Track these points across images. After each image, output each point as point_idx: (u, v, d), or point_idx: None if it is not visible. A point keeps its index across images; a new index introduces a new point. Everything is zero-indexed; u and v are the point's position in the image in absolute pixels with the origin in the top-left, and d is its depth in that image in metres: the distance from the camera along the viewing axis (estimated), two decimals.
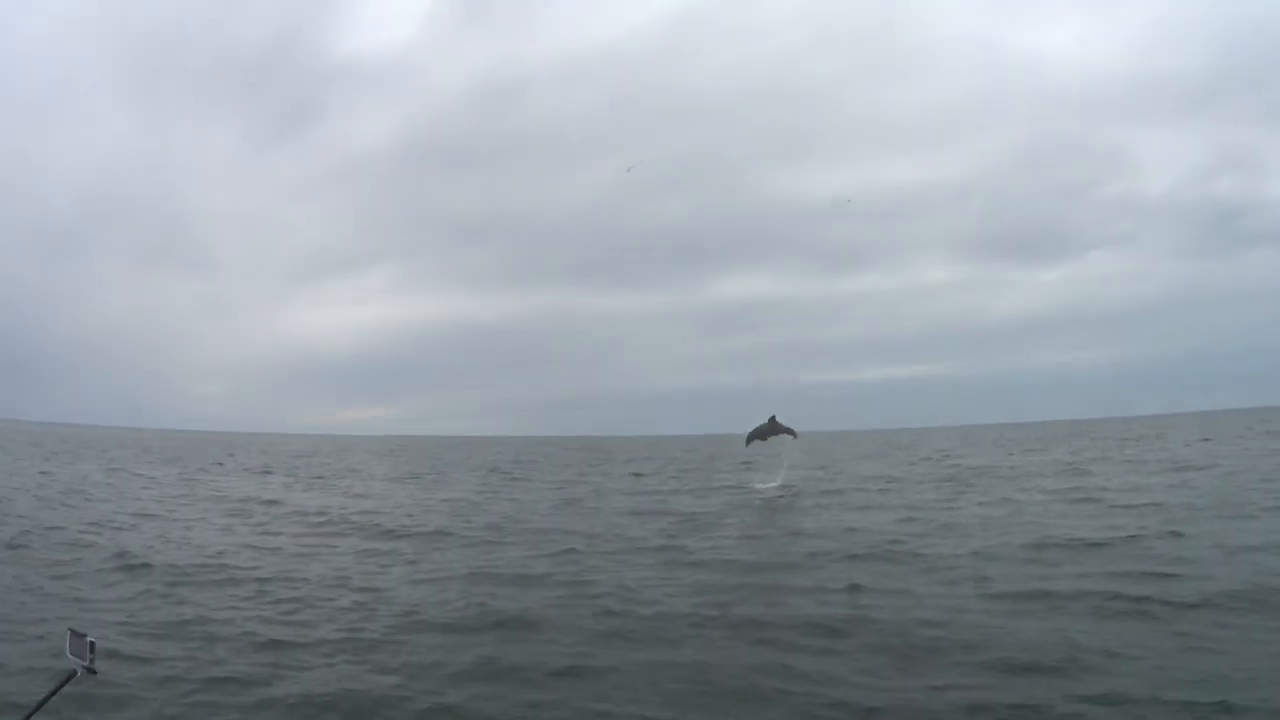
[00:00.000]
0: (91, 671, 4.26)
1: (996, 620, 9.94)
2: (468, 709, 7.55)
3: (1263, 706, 6.86)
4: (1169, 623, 9.52)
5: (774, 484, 29.03)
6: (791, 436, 28.55)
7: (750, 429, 28.84)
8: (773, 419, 28.00)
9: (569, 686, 8.08)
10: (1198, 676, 7.66)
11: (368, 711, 7.47)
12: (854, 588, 11.91)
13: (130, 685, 7.91)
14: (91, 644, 4.25)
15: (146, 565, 14.15)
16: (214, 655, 9.01)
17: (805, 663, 8.59)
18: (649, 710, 7.44)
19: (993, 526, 17.61)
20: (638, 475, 41.32)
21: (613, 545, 16.97)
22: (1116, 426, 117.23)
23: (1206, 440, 51.04)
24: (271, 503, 26.46)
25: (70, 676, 4.32)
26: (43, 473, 35.87)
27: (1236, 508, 18.51)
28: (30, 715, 4.41)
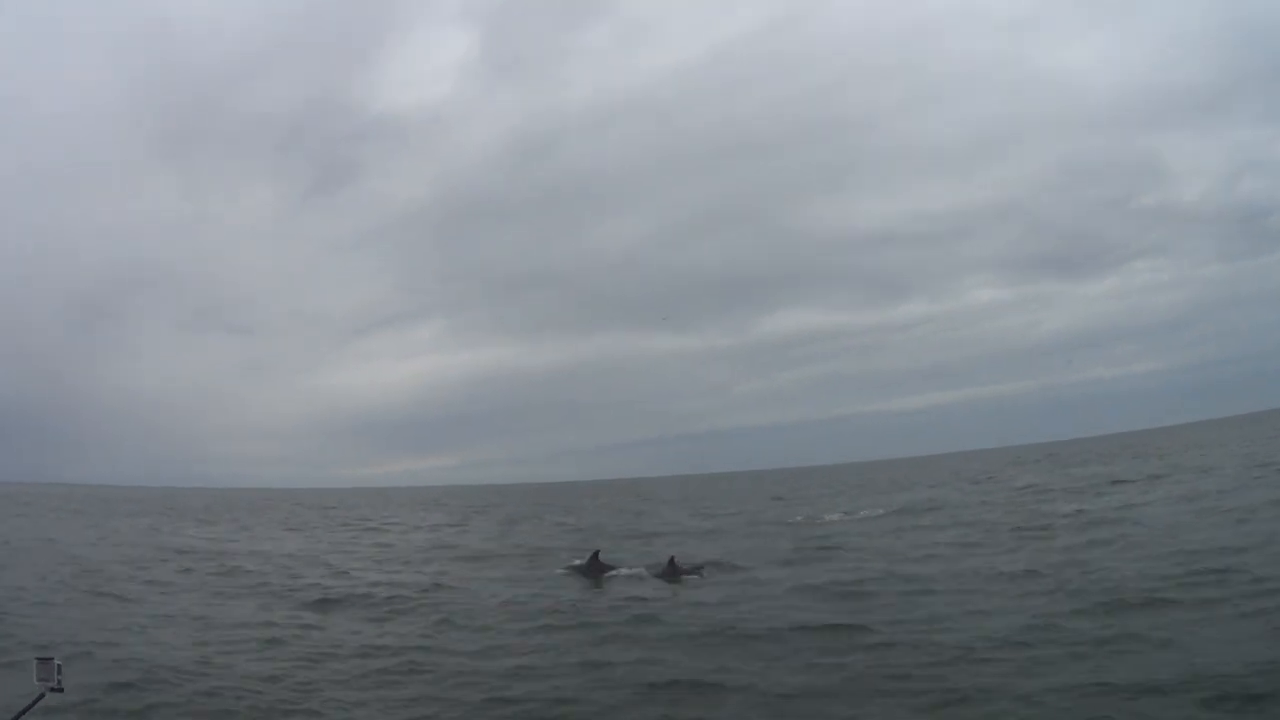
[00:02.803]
0: (58, 690, 4.89)
1: None
2: None
3: None
4: None
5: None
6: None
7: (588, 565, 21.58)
8: (594, 555, 21.72)
9: None
10: None
11: None
12: None
13: None
14: (58, 666, 4.88)
15: None
16: None
17: None
18: None
19: None
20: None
21: None
22: (1165, 437, 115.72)
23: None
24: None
25: (39, 699, 4.93)
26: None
27: None
28: None
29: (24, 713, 5.00)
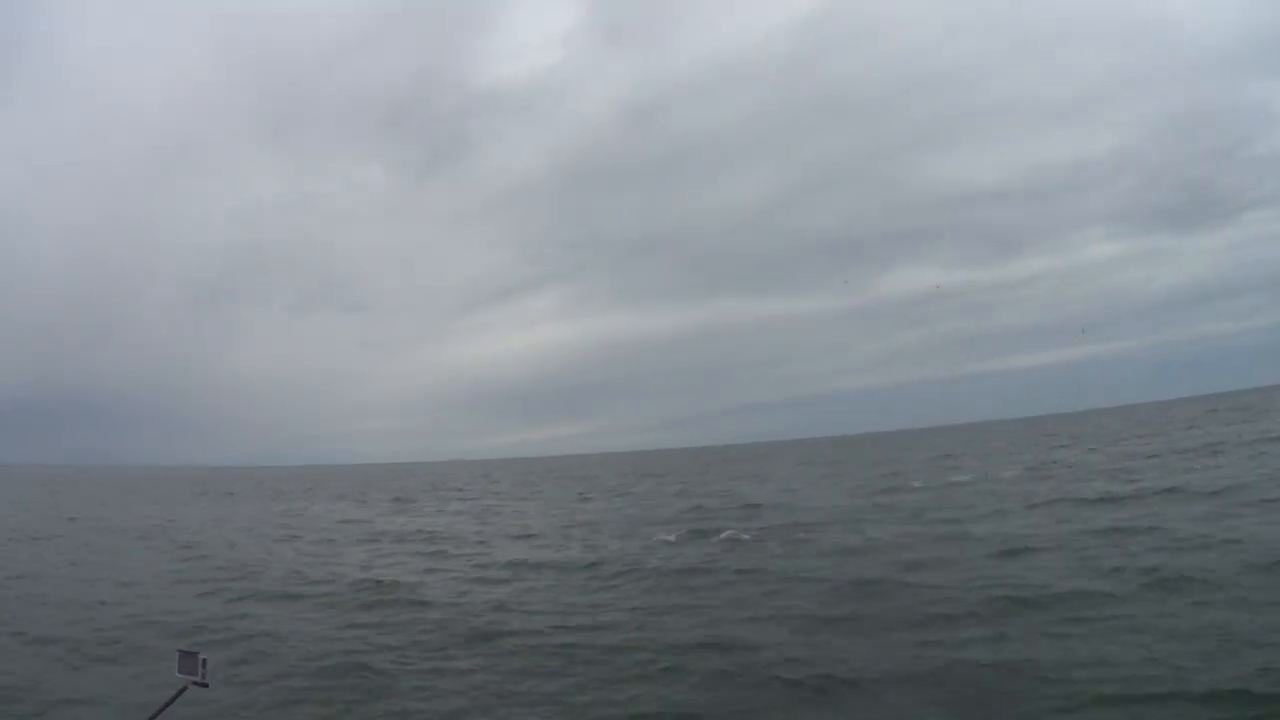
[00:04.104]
0: (203, 685, 4.64)
1: None
2: None
3: None
4: None
5: None
6: None
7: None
8: None
9: None
10: None
11: None
12: None
13: None
14: (203, 660, 4.64)
15: None
16: None
17: None
18: None
19: None
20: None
21: None
22: None
23: None
24: None
25: (180, 692, 4.73)
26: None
27: None
28: None
29: (165, 707, 4.80)
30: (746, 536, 20.36)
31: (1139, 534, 15.65)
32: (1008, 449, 54.21)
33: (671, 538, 21.31)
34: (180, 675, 4.62)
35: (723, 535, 20.74)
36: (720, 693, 8.83)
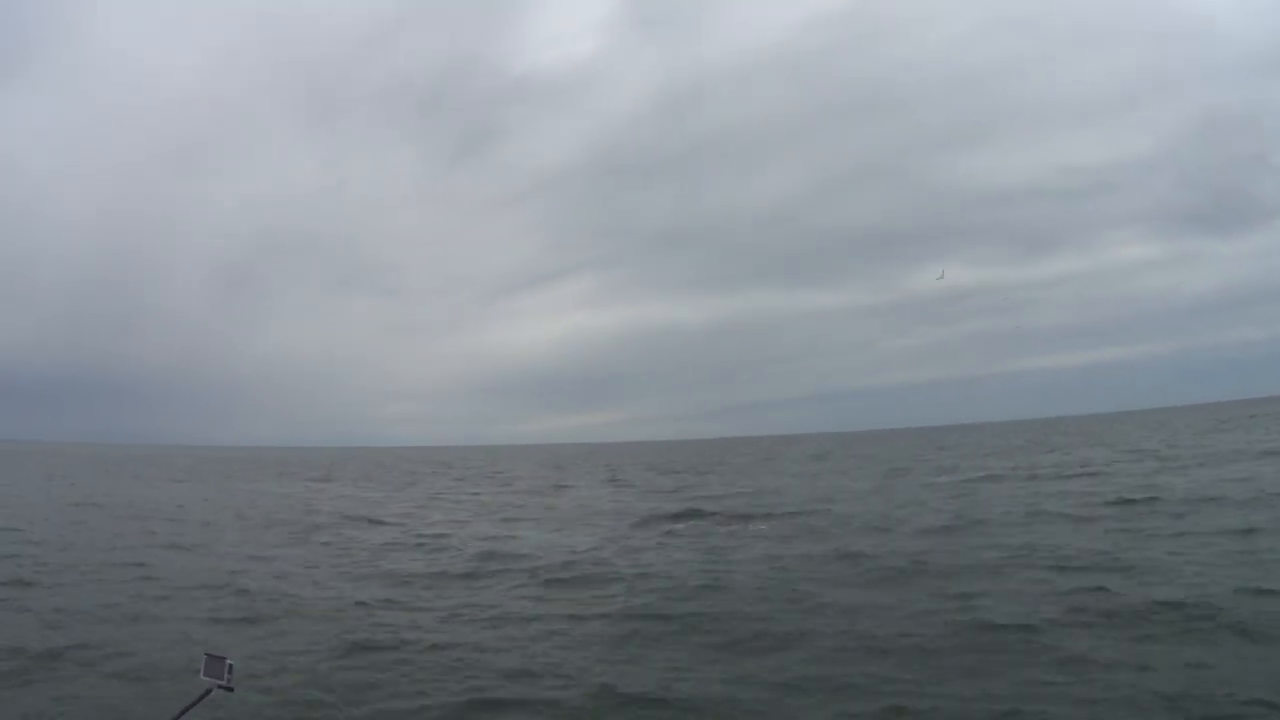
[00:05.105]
0: (228, 689, 4.59)
1: None
2: None
3: None
4: None
5: None
6: None
7: None
8: None
9: None
10: None
11: None
12: None
13: None
14: (230, 666, 4.61)
15: None
16: None
17: None
18: None
19: None
20: None
21: None
22: None
23: None
24: None
25: (205, 694, 4.67)
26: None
27: None
28: None
29: (189, 708, 4.75)
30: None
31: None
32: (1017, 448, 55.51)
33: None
34: (205, 678, 4.61)
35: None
36: None
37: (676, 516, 23.50)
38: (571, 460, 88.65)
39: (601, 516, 25.69)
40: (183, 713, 4.75)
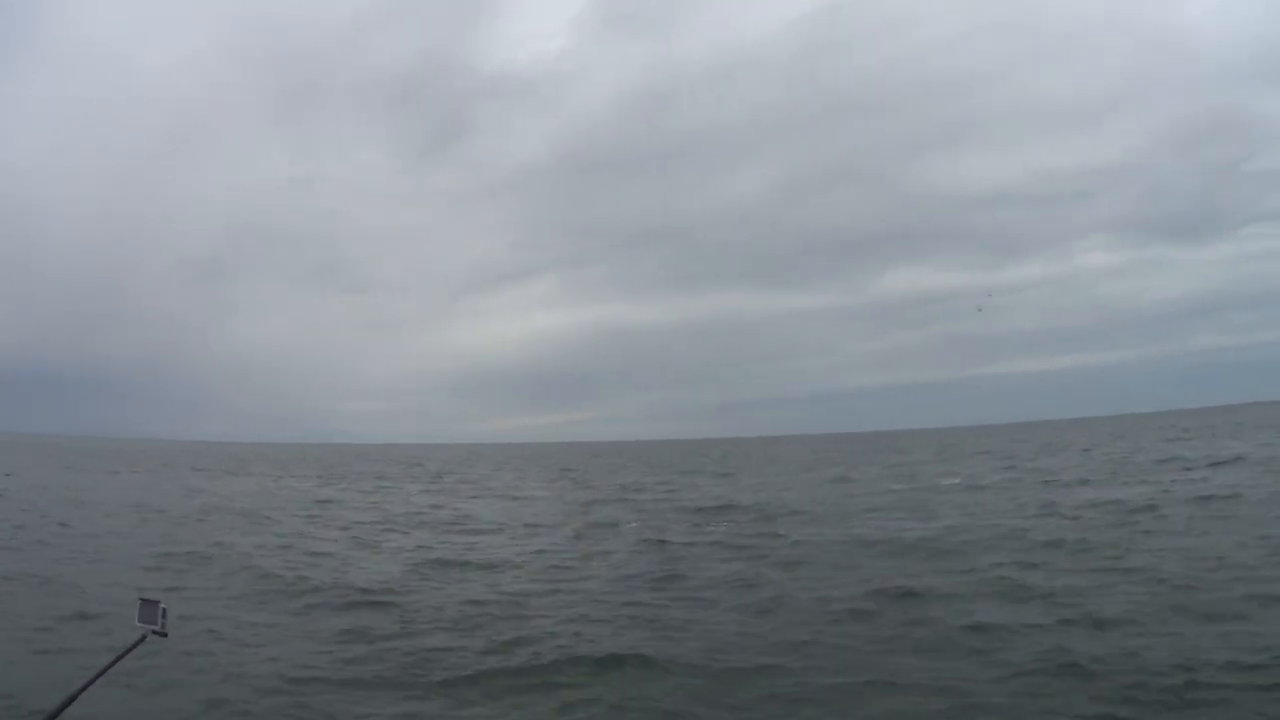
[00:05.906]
0: (162, 634, 4.51)
1: None
2: None
3: None
4: None
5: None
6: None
7: None
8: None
9: None
10: None
11: None
12: None
13: None
14: (164, 610, 4.49)
15: None
16: None
17: None
18: None
19: None
20: None
21: None
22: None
23: None
24: None
25: (140, 641, 4.54)
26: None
27: None
28: (94, 680, 4.24)
29: (124, 654, 4.49)
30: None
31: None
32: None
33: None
34: (140, 624, 4.49)
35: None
36: None
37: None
38: (514, 460, 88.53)
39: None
40: (116, 660, 4.45)
